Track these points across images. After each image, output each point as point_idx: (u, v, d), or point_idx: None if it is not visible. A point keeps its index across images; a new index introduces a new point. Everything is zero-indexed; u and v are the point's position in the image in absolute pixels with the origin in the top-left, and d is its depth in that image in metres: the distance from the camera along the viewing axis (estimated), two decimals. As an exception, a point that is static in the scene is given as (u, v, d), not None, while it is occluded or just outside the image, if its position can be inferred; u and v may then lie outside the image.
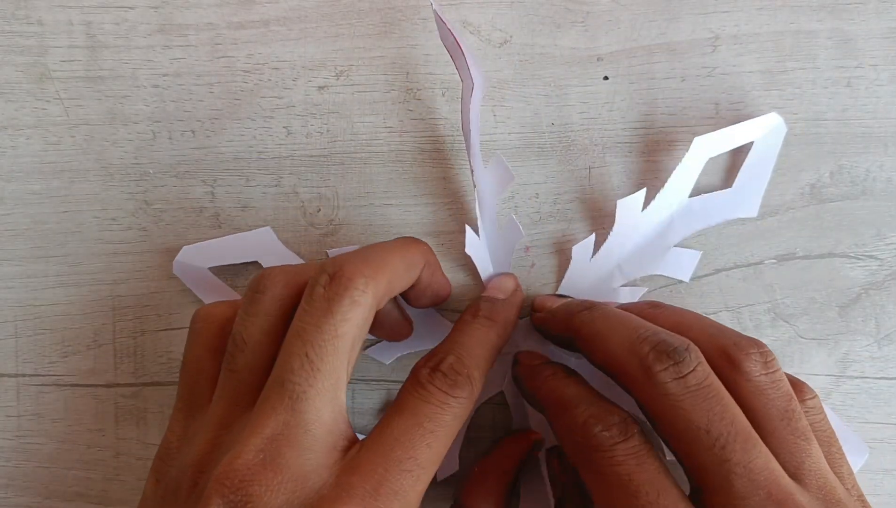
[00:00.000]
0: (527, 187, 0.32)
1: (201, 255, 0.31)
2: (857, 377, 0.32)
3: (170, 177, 0.32)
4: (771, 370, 0.25)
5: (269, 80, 0.31)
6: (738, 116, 0.32)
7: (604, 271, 0.31)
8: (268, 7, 0.31)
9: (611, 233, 0.31)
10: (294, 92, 0.31)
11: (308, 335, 0.24)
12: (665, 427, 0.25)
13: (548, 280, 0.32)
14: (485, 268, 0.31)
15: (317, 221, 0.32)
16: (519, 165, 0.32)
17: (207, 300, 0.31)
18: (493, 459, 0.30)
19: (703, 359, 0.25)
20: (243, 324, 0.25)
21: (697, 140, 0.30)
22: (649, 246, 0.31)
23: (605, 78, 0.32)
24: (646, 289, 0.32)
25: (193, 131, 0.31)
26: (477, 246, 0.31)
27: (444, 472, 0.31)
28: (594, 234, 0.31)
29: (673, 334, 0.25)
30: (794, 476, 0.24)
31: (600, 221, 0.32)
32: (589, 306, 0.28)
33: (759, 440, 0.24)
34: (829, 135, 0.32)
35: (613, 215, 0.31)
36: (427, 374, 0.25)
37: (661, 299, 0.32)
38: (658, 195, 0.31)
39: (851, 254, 0.32)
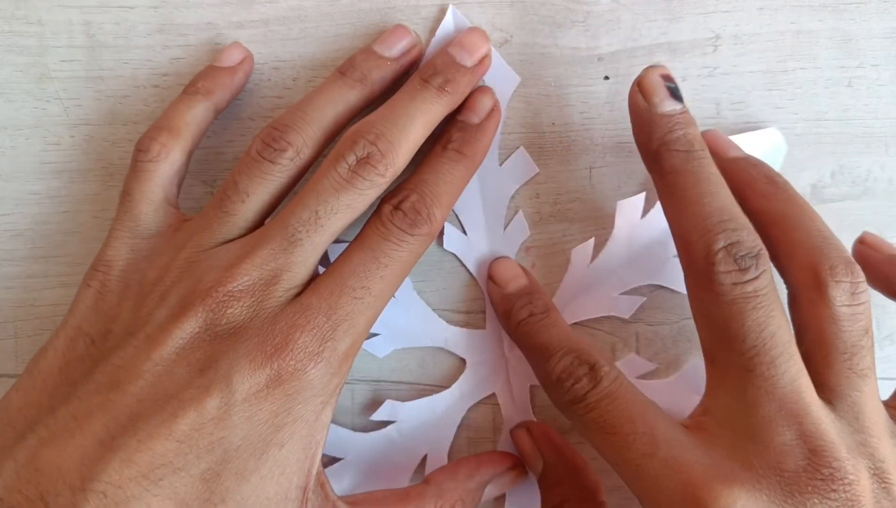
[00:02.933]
0: (527, 187, 0.32)
1: None
2: (858, 378, 0.32)
3: (170, 177, 0.32)
4: (856, 303, 0.25)
5: (269, 80, 0.31)
6: (739, 115, 0.32)
7: (603, 277, 0.31)
8: (268, 7, 0.31)
9: (610, 237, 0.31)
10: (294, 92, 0.31)
11: (325, 196, 0.25)
12: (703, 320, 0.25)
13: (548, 281, 0.32)
14: (474, 267, 0.31)
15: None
16: (519, 166, 0.32)
17: None
18: (471, 458, 0.30)
19: (769, 267, 0.25)
20: (252, 178, 0.26)
21: None
22: (649, 254, 0.31)
23: (606, 78, 0.32)
24: (644, 299, 0.31)
25: (193, 131, 0.31)
26: (460, 242, 0.31)
27: (431, 466, 0.31)
28: (593, 238, 0.31)
29: (752, 233, 0.25)
30: (831, 402, 0.25)
31: (601, 221, 0.32)
32: (686, 150, 0.26)
33: (794, 357, 0.24)
34: (830, 135, 0.32)
35: (614, 216, 0.31)
36: (389, 211, 0.26)
37: (663, 299, 0.32)
38: (658, 203, 0.31)
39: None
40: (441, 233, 0.31)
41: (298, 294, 0.25)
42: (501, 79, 0.31)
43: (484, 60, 0.29)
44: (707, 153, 0.26)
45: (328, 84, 0.28)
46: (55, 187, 0.32)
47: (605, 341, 0.32)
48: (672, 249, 0.31)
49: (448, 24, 0.30)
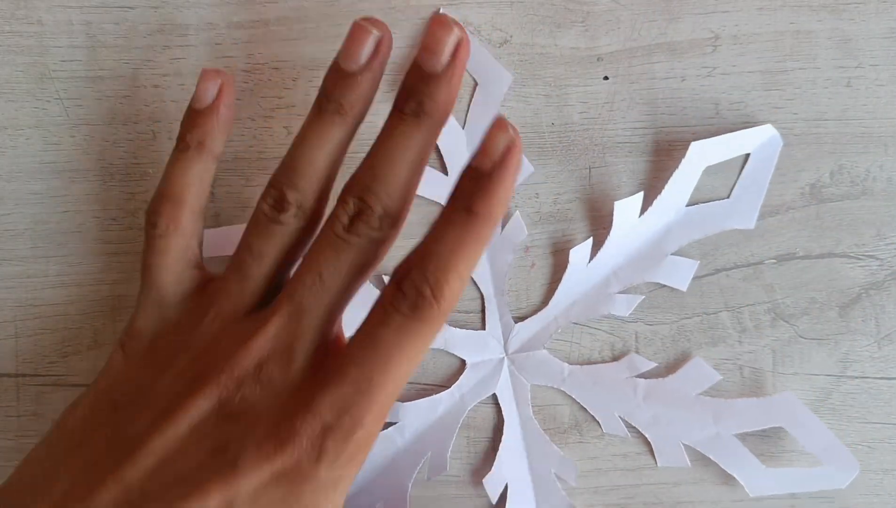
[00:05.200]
0: (527, 187, 0.32)
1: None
2: (857, 377, 0.32)
3: (170, 177, 0.32)
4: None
5: (269, 80, 0.31)
6: (738, 115, 0.32)
7: (600, 277, 0.31)
8: (268, 7, 0.31)
9: (608, 237, 0.31)
10: (294, 92, 0.31)
11: (326, 258, 0.25)
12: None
13: (547, 280, 0.32)
14: (476, 269, 0.31)
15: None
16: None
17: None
18: None
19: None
20: (263, 240, 0.26)
21: (695, 145, 0.30)
22: (646, 253, 0.31)
23: (605, 78, 0.32)
24: (643, 297, 0.32)
25: (193, 131, 0.31)
26: None
27: (434, 472, 0.31)
28: (591, 237, 0.31)
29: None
30: None
31: (600, 221, 0.32)
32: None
33: None
34: (829, 135, 0.32)
35: (612, 217, 0.31)
36: (390, 293, 0.24)
37: (662, 298, 0.32)
38: (656, 202, 0.31)
39: (851, 254, 0.32)
40: None
41: (315, 365, 0.25)
42: (494, 78, 0.31)
43: (457, 52, 0.25)
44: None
45: (309, 127, 0.26)
46: (55, 187, 0.32)
47: (604, 340, 0.32)
48: (669, 246, 0.31)
49: None
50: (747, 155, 0.31)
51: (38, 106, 0.31)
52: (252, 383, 0.24)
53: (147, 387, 0.25)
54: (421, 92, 0.25)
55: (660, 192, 0.31)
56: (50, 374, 0.32)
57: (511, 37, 0.31)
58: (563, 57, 0.32)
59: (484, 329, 0.32)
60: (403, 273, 0.24)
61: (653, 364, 0.32)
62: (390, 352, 0.23)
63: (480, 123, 0.31)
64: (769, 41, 0.32)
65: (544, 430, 0.32)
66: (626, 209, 0.31)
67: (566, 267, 0.31)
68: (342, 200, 0.25)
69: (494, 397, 0.32)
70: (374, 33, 0.26)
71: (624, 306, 0.31)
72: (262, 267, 0.26)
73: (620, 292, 0.31)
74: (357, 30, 0.26)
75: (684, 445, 0.31)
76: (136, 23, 0.31)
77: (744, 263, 0.32)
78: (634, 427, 0.32)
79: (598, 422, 0.32)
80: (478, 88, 0.31)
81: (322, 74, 0.31)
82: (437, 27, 0.25)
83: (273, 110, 0.31)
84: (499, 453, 0.32)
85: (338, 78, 0.26)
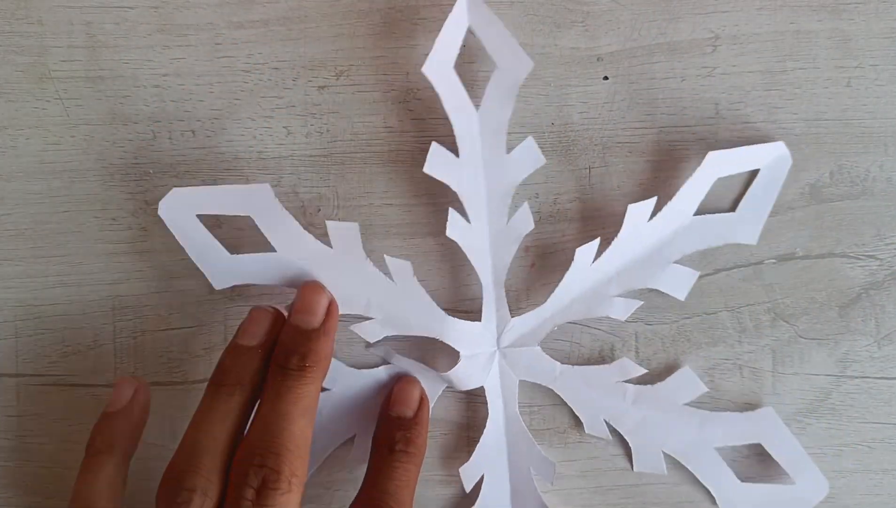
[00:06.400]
0: (527, 187, 0.32)
1: (191, 200, 0.29)
2: (857, 377, 0.32)
3: (170, 177, 0.32)
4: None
5: (269, 80, 0.31)
6: (737, 115, 0.32)
7: (602, 278, 0.31)
8: (268, 7, 0.31)
9: (615, 238, 0.31)
10: (294, 92, 0.31)
11: None
12: None
13: (547, 280, 0.32)
14: (477, 258, 0.31)
15: (317, 221, 0.32)
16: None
17: (190, 251, 0.30)
18: None
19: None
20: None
21: (711, 155, 0.30)
22: (649, 259, 0.31)
23: (605, 78, 0.32)
24: (641, 303, 0.31)
25: (193, 131, 0.31)
26: (462, 230, 0.31)
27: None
28: (598, 238, 0.31)
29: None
30: None
31: (600, 221, 0.32)
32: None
33: None
34: (829, 135, 0.32)
35: (613, 216, 0.31)
36: None
37: (662, 299, 0.32)
38: (666, 207, 0.31)
39: (851, 254, 0.32)
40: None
41: None
42: (514, 63, 0.30)
43: (331, 310, 0.29)
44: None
45: (208, 403, 0.27)
46: (55, 187, 0.32)
47: (604, 340, 0.32)
48: (673, 254, 0.31)
49: (461, 10, 0.30)
50: (756, 170, 0.31)
51: (38, 106, 0.31)
52: None
53: None
54: (302, 346, 0.27)
55: (670, 198, 0.31)
56: (50, 374, 0.32)
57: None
58: (563, 57, 0.32)
59: (480, 321, 0.32)
60: None
61: (643, 370, 0.32)
62: None
63: (495, 107, 0.30)
64: (769, 41, 0.32)
65: (544, 429, 0.32)
66: (638, 213, 0.31)
67: (566, 267, 0.31)
68: (241, 472, 0.25)
69: (482, 390, 0.32)
70: (271, 311, 0.29)
71: (622, 310, 0.31)
72: None
73: (619, 296, 0.31)
74: (254, 312, 0.29)
75: (664, 453, 0.32)
76: (136, 23, 0.31)
77: (744, 263, 0.32)
78: (617, 431, 0.32)
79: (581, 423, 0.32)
80: (496, 72, 0.30)
81: (322, 73, 0.31)
82: (309, 292, 0.29)
83: (273, 110, 0.31)
84: (479, 444, 0.32)
85: (237, 353, 0.28)
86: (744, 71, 0.32)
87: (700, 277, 0.32)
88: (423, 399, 0.31)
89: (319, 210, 0.32)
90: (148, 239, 0.32)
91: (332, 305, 0.29)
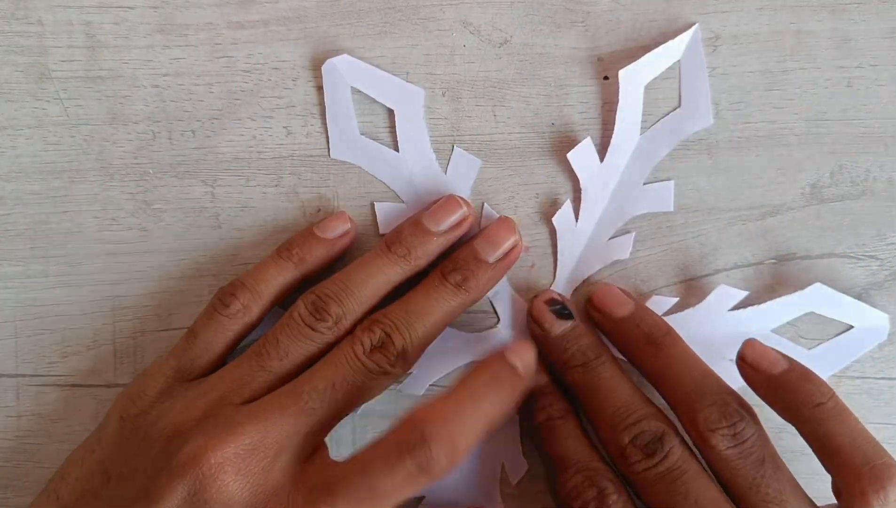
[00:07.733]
0: (527, 187, 0.32)
1: (354, 71, 0.31)
2: (857, 377, 0.32)
3: (170, 177, 0.32)
4: (739, 442, 0.27)
5: (269, 80, 0.31)
6: (738, 116, 0.32)
7: (590, 231, 0.32)
8: (268, 7, 0.31)
9: (582, 192, 0.31)
10: (294, 92, 0.31)
11: (342, 371, 0.26)
12: (646, 501, 0.27)
13: (548, 280, 0.32)
14: (565, 255, 0.31)
15: (317, 221, 0.32)
16: (519, 165, 0.32)
17: (329, 111, 0.31)
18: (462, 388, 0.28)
19: (675, 443, 0.27)
20: (292, 340, 0.27)
21: (622, 72, 0.31)
22: (621, 192, 0.31)
23: (606, 78, 0.32)
24: (634, 234, 0.31)
25: (193, 131, 0.31)
26: (568, 224, 0.31)
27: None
28: (568, 200, 0.31)
29: (652, 417, 0.27)
30: None
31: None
32: (582, 363, 0.29)
33: None
34: (830, 135, 0.32)
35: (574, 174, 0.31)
36: (360, 340, 0.27)
37: (662, 303, 0.32)
38: (611, 142, 0.31)
39: (851, 254, 0.32)
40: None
41: (297, 471, 0.25)
42: (695, 114, 0.31)
43: (510, 253, 0.30)
44: (602, 359, 0.29)
45: (373, 258, 0.29)
46: (55, 187, 0.32)
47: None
48: (639, 176, 0.31)
49: (681, 44, 0.31)
50: (678, 63, 0.31)
51: (37, 106, 0.31)
52: (230, 477, 0.24)
53: (139, 464, 0.26)
54: (468, 270, 0.29)
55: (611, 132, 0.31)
56: (50, 374, 0.32)
57: (511, 37, 0.31)
58: (563, 57, 0.32)
59: (495, 328, 0.32)
60: (370, 327, 0.27)
61: (675, 299, 0.32)
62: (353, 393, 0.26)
63: (657, 137, 0.31)
64: (769, 41, 0.32)
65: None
66: (582, 158, 0.31)
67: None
68: (369, 327, 0.27)
69: None
70: (464, 209, 0.30)
71: (621, 249, 0.32)
72: (283, 364, 0.27)
73: (613, 238, 0.32)
74: (451, 199, 0.30)
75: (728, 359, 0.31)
76: (136, 23, 0.31)
77: (744, 263, 0.32)
78: None
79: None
80: (676, 111, 0.32)
81: (322, 73, 0.31)
82: (502, 226, 0.30)
83: (273, 110, 0.31)
84: None
85: (416, 229, 0.29)
86: (744, 71, 0.32)
87: (700, 277, 0.32)
88: (512, 250, 0.30)
89: (319, 210, 0.32)
90: (148, 239, 0.32)
91: (515, 248, 0.30)
